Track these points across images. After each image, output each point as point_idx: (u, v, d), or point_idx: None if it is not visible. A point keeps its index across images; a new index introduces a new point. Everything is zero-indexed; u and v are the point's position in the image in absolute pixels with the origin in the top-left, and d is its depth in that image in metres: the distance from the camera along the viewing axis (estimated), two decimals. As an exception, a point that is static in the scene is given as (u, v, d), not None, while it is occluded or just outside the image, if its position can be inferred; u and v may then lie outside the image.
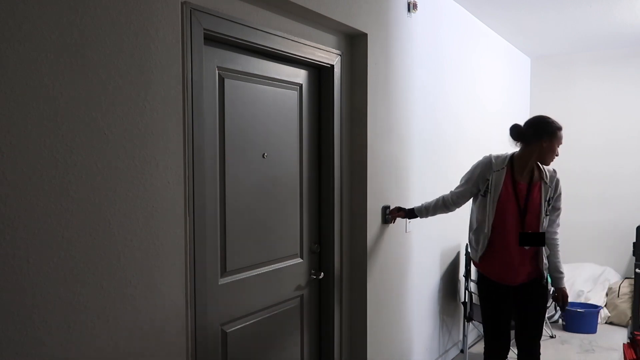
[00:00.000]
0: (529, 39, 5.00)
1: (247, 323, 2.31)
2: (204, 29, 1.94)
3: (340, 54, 2.71)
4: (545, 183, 2.75)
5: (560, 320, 4.90)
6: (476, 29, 4.36)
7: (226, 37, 2.06)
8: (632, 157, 5.40)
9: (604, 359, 4.12)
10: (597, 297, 5.05)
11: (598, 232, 5.56)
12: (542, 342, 4.35)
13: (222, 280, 2.17)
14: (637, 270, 4.53)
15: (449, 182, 3.93)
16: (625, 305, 4.90)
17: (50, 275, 1.47)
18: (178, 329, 1.86)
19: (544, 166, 2.79)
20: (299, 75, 2.56)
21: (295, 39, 2.40)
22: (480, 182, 2.77)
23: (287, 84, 2.49)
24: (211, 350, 2.10)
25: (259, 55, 2.30)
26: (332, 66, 2.66)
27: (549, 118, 2.77)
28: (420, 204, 3.07)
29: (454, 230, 4.06)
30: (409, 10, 3.18)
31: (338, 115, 2.71)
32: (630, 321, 4.77)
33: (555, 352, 4.25)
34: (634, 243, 4.59)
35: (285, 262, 2.52)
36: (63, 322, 1.51)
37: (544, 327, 4.46)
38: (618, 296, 4.98)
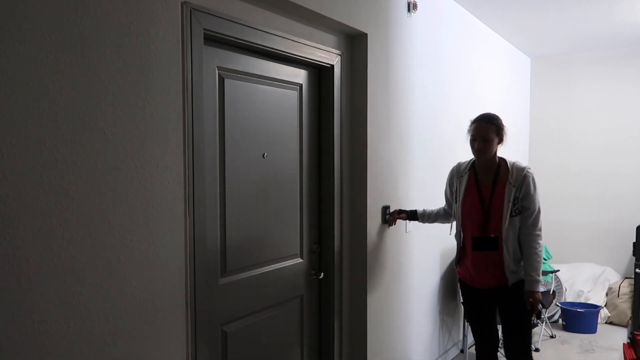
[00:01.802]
0: (529, 39, 5.00)
1: (247, 323, 2.31)
2: (204, 29, 1.94)
3: (340, 54, 2.71)
4: (510, 183, 2.66)
5: (560, 320, 4.90)
6: (476, 29, 4.36)
7: (226, 37, 2.06)
8: (632, 157, 5.40)
9: (604, 359, 4.12)
10: (597, 297, 5.05)
11: (598, 232, 5.57)
12: (542, 342, 4.39)
13: (222, 280, 2.17)
14: (637, 270, 4.53)
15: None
16: (625, 305, 4.90)
17: (50, 275, 1.47)
18: (178, 329, 1.86)
19: (514, 165, 2.72)
20: (299, 75, 2.56)
21: (295, 39, 2.40)
22: (450, 190, 2.88)
23: (287, 84, 2.49)
24: (211, 350, 2.10)
25: (259, 55, 2.31)
26: (332, 66, 2.66)
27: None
28: (422, 209, 3.10)
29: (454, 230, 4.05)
30: (409, 10, 3.18)
31: (338, 115, 2.71)
32: (630, 321, 4.77)
33: (555, 352, 4.26)
34: (634, 243, 4.59)
35: (285, 262, 2.52)
36: (63, 322, 1.51)
37: (543, 328, 4.49)
38: (618, 296, 4.98)
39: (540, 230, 2.67)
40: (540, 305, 2.67)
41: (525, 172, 2.68)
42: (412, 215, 3.04)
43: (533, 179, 2.69)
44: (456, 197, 2.81)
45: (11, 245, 1.39)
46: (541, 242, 2.67)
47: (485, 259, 2.69)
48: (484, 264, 2.71)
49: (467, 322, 2.96)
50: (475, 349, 2.95)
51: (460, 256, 2.82)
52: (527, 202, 2.66)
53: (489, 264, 2.69)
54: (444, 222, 3.06)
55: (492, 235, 2.64)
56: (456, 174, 2.84)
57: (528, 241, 2.66)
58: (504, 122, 2.79)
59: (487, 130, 2.68)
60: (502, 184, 2.67)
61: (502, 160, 2.75)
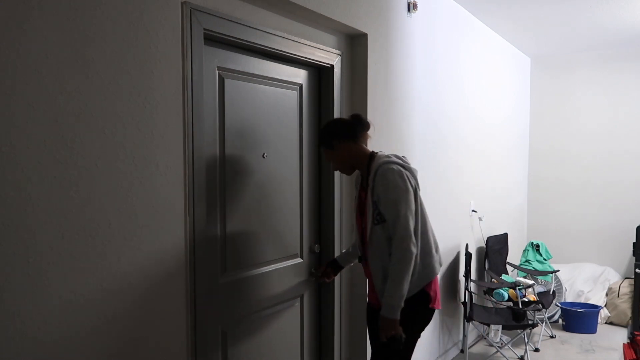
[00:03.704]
0: (529, 38, 5.00)
1: (247, 323, 2.31)
2: (204, 29, 1.94)
3: (340, 54, 2.71)
4: (369, 184, 2.16)
5: (560, 320, 4.90)
6: (476, 28, 4.36)
7: (226, 37, 2.06)
8: (633, 157, 5.40)
9: (604, 359, 4.12)
10: (597, 297, 5.05)
11: (598, 232, 5.57)
12: (542, 342, 4.39)
13: (222, 280, 2.17)
14: (637, 270, 4.54)
15: (449, 181, 3.94)
16: (625, 305, 4.90)
17: (51, 275, 1.48)
18: (178, 329, 1.86)
19: (376, 160, 2.17)
20: (299, 75, 2.56)
21: (295, 39, 2.40)
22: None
23: (287, 84, 2.49)
24: (211, 350, 2.10)
25: (259, 55, 2.31)
26: (332, 66, 2.66)
27: None
28: (342, 252, 2.64)
29: (454, 230, 4.06)
30: (409, 10, 3.18)
31: (338, 115, 2.70)
32: (630, 321, 4.77)
33: (555, 352, 4.26)
34: (634, 243, 4.60)
35: (285, 262, 2.52)
36: (63, 322, 1.51)
37: (543, 328, 4.48)
38: (618, 296, 4.98)
39: (402, 240, 2.05)
40: (398, 335, 2.07)
41: (378, 167, 2.12)
42: (334, 264, 2.56)
43: (384, 176, 2.08)
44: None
45: (11, 245, 1.39)
46: (406, 256, 2.05)
47: (366, 273, 2.30)
48: (367, 279, 2.32)
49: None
50: None
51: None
52: (382, 206, 2.09)
53: (369, 280, 2.28)
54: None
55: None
56: (355, 183, 2.39)
57: (391, 256, 2.09)
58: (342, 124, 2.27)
59: (324, 152, 2.29)
60: (368, 188, 2.18)
61: (373, 157, 2.21)
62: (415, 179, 2.20)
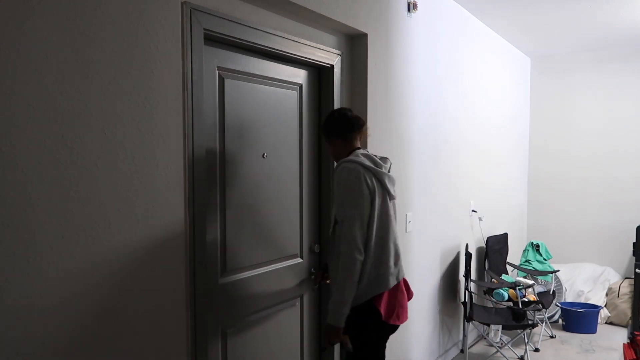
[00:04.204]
0: (529, 38, 5.00)
1: (247, 323, 2.31)
2: (204, 29, 1.94)
3: (340, 54, 2.71)
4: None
5: (560, 320, 4.90)
6: (476, 28, 4.36)
7: (226, 37, 2.06)
8: (633, 157, 5.40)
9: (604, 359, 4.12)
10: (597, 297, 5.05)
11: (598, 232, 5.57)
12: (542, 342, 4.39)
13: (222, 280, 2.17)
14: (637, 270, 4.54)
15: (449, 180, 3.94)
16: (625, 305, 4.90)
17: (51, 275, 1.48)
18: (178, 329, 1.86)
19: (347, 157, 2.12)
20: (299, 75, 2.56)
21: (295, 39, 2.40)
22: None
23: (287, 84, 2.49)
24: (211, 350, 2.10)
25: (259, 55, 2.31)
26: (332, 66, 2.66)
27: None
28: None
29: (454, 230, 4.06)
30: (409, 10, 3.18)
31: (338, 115, 2.70)
32: (630, 321, 4.77)
33: (555, 352, 4.26)
34: (634, 243, 4.60)
35: (285, 262, 2.52)
36: (65, 321, 1.51)
37: (543, 328, 4.48)
38: (618, 296, 4.98)
39: (346, 245, 1.97)
40: (345, 345, 2.03)
41: (339, 165, 2.07)
42: (327, 267, 2.47)
43: (339, 174, 2.03)
44: None
45: (12, 245, 1.39)
46: (348, 262, 1.97)
47: None
48: None
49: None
50: None
51: None
52: (334, 206, 2.04)
53: None
54: None
55: None
56: None
57: (339, 258, 2.01)
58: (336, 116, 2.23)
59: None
60: None
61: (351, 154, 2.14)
62: (380, 182, 2.06)
